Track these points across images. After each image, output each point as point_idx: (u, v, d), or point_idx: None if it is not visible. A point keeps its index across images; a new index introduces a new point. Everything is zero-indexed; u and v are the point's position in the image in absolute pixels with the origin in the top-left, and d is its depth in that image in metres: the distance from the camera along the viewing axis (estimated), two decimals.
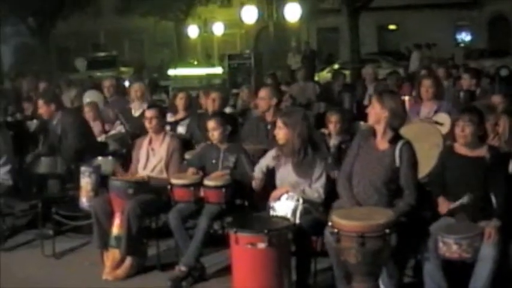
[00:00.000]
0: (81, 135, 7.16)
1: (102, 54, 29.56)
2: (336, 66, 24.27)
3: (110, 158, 6.64)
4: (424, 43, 24.90)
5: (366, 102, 10.72)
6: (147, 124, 5.99)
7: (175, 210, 5.51)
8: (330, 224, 4.32)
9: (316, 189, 5.04)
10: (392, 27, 34.41)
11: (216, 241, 5.71)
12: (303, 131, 5.05)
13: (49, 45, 24.21)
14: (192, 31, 31.98)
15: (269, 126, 6.51)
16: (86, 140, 7.22)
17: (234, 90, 13.64)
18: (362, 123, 8.26)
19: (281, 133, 5.08)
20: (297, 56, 20.93)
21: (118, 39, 30.39)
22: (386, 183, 4.57)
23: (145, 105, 8.46)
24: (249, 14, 22.80)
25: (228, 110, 9.21)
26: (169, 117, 8.30)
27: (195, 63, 28.46)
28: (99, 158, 6.64)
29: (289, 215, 4.87)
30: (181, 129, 7.91)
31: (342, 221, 4.22)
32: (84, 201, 6.13)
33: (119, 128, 8.49)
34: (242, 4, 31.59)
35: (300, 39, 31.92)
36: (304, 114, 5.39)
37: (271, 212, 5.00)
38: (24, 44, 29.88)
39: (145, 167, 5.99)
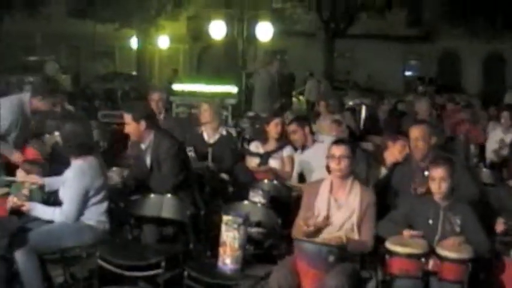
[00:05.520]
0: (181, 165, 5.53)
1: (32, 58, 27.06)
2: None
3: (260, 205, 5.03)
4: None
5: None
6: (333, 165, 4.46)
7: None
8: None
9: None
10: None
11: None
12: None
13: None
14: (135, 42, 30.00)
15: (426, 173, 5.12)
16: (185, 170, 5.60)
17: (250, 113, 12.15)
18: None
19: None
20: None
21: (56, 44, 27.95)
22: None
23: (223, 130, 6.98)
24: (217, 30, 21.32)
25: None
26: None
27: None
28: (245, 202, 5.05)
29: None
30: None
31: None
32: (228, 262, 4.55)
33: None
34: (190, 18, 30.17)
35: (248, 58, 30.78)
36: None
37: None
38: None
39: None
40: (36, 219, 4.85)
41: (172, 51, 31.82)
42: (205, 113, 6.98)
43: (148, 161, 5.54)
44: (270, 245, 5.78)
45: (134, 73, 27.75)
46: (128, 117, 5.43)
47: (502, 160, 8.17)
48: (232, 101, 12.15)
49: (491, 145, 8.73)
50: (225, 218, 4.58)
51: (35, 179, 5.09)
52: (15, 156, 5.50)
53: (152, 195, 5.18)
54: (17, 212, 4.87)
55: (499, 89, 26.69)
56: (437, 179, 4.28)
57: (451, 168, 4.30)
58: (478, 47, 28.64)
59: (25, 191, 4.94)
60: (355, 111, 12.08)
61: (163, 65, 31.49)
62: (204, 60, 32.73)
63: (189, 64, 32.14)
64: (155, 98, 8.03)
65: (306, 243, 4.14)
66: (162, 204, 5.10)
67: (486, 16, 22.49)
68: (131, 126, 5.42)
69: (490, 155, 8.54)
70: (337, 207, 4.46)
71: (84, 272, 5.03)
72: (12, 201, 4.84)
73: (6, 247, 4.59)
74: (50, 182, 5.08)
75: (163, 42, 30.66)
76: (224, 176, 6.70)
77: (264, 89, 10.83)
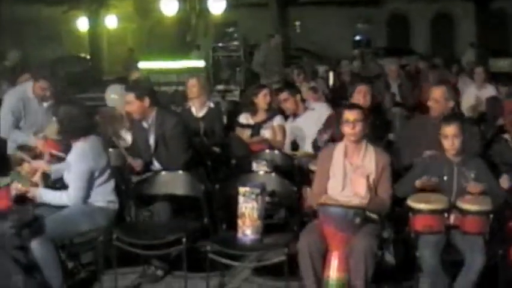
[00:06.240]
0: (188, 141, 5.52)
1: None
2: None
3: (274, 174, 5.07)
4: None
5: (387, 104, 9.71)
6: (348, 130, 4.52)
7: (430, 244, 4.16)
8: None
9: None
10: None
11: None
12: None
13: None
14: (82, 24, 29.24)
15: None
16: (192, 147, 5.60)
17: (219, 87, 12.15)
18: None
19: None
20: None
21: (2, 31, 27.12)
22: None
23: (210, 103, 6.96)
24: (169, 5, 21.03)
25: None
26: None
27: (88, 57, 26.14)
28: (261, 172, 5.08)
29: None
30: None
31: None
32: (248, 233, 4.61)
33: None
34: None
35: (197, 33, 30.45)
36: None
37: None
38: None
39: (343, 187, 4.52)
40: (48, 207, 4.77)
41: (120, 30, 31.19)
42: (193, 88, 6.93)
43: (152, 139, 5.49)
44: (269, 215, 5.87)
45: (83, 55, 27.20)
46: (130, 96, 5.35)
47: (479, 115, 8.43)
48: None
49: (466, 101, 8.96)
50: (241, 189, 4.61)
51: (42, 166, 5.00)
52: (39, 143, 5.43)
53: (163, 173, 5.17)
54: (21, 198, 4.77)
55: (448, 48, 27.29)
56: (450, 136, 4.40)
57: (462, 125, 4.42)
58: (426, 8, 29.05)
59: (36, 178, 4.86)
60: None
61: (113, 46, 30.89)
62: (155, 38, 32.22)
63: (139, 42, 31.57)
64: (135, 77, 7.96)
65: (332, 207, 4.21)
66: (174, 181, 5.08)
67: None
68: (135, 104, 5.33)
69: (466, 111, 8.75)
70: (353, 171, 4.52)
71: (98, 255, 4.99)
72: (17, 187, 4.75)
73: (15, 236, 4.51)
74: (57, 169, 5.00)
75: (111, 22, 30.02)
76: (216, 149, 6.70)
77: (261, 64, 10.94)
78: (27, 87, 5.92)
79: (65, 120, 4.82)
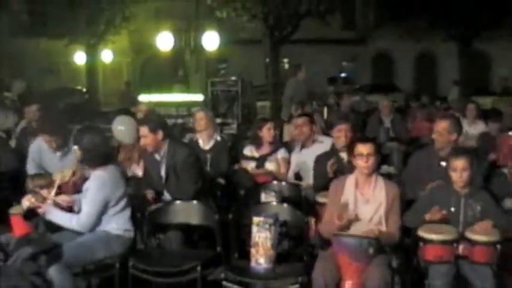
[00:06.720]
0: (198, 172, 5.66)
1: None
2: None
3: (286, 205, 5.21)
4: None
5: (382, 138, 9.89)
6: (361, 163, 4.69)
7: (441, 274, 4.31)
8: None
9: None
10: None
11: None
12: None
13: None
14: (80, 57, 29.40)
15: (443, 164, 5.44)
16: (203, 177, 5.75)
17: (216, 120, 12.30)
18: None
19: None
20: None
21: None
22: None
23: (217, 136, 7.11)
24: (165, 41, 21.29)
25: None
26: None
27: (84, 90, 26.40)
28: (273, 203, 5.23)
29: None
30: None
31: None
32: (262, 261, 4.76)
33: None
34: (131, 32, 29.93)
35: (188, 68, 30.77)
36: None
37: None
38: None
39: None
40: (65, 233, 4.87)
41: (115, 64, 31.57)
42: (201, 121, 7.10)
43: (163, 171, 5.63)
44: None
45: (79, 87, 27.58)
46: (144, 130, 5.51)
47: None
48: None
49: None
50: (255, 219, 4.77)
51: (67, 199, 5.08)
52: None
53: (178, 202, 5.29)
54: (32, 212, 4.88)
55: (432, 86, 27.85)
56: (459, 169, 4.58)
57: (471, 158, 4.61)
58: (410, 47, 29.67)
59: (50, 200, 4.94)
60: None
61: (107, 79, 31.27)
62: (148, 72, 32.65)
63: (133, 77, 31.99)
64: (142, 109, 8.12)
65: (346, 238, 4.36)
66: (189, 211, 5.21)
67: (415, 16, 23.31)
68: (149, 138, 5.49)
69: None
70: (364, 202, 4.68)
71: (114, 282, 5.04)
72: (30, 200, 4.84)
73: (32, 262, 4.59)
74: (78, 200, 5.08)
75: (107, 56, 30.36)
76: (221, 180, 6.84)
77: (290, 97, 11.22)
78: (41, 139, 6.25)
79: (89, 147, 4.89)
